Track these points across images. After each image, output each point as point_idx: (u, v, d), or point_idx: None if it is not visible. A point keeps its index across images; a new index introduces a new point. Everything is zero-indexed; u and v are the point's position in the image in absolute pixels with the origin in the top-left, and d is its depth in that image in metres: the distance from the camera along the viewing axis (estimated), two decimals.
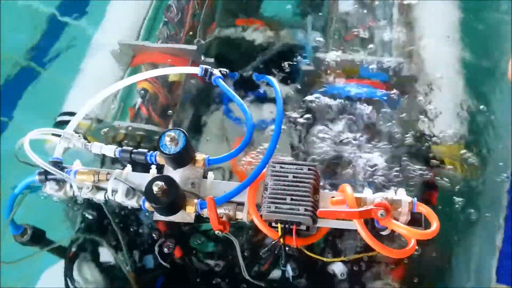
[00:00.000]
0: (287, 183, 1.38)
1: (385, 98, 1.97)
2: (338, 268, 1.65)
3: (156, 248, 1.75)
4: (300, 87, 2.11)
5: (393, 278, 1.72)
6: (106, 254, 1.84)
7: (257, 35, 2.31)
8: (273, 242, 1.36)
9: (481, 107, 1.99)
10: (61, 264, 1.81)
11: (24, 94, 2.41)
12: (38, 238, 1.80)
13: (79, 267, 1.82)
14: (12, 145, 2.06)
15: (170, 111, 2.01)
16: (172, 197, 1.35)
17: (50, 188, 1.54)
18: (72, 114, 2.06)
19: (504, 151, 1.89)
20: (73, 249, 1.83)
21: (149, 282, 1.79)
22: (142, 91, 2.05)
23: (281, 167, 1.41)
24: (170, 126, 1.98)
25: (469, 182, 1.87)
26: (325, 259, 1.58)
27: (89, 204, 1.79)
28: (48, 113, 2.12)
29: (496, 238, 1.74)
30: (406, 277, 1.73)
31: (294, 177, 1.39)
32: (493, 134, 1.96)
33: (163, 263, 1.75)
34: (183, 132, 1.41)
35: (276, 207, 1.34)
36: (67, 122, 2.03)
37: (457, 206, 1.82)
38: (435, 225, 1.31)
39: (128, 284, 1.76)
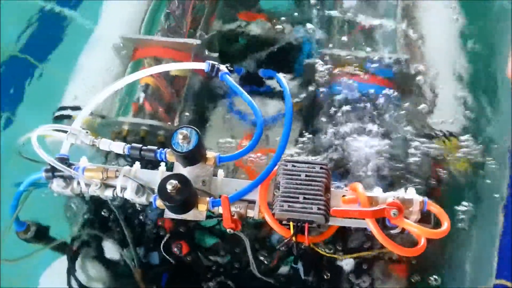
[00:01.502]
0: (300, 182, 1.39)
1: (388, 94, 1.98)
2: (345, 264, 1.67)
3: (162, 245, 1.74)
4: (303, 83, 2.11)
5: (394, 273, 1.75)
6: (109, 251, 1.83)
7: (259, 29, 2.30)
8: (285, 241, 1.38)
9: (483, 103, 2.02)
10: (64, 260, 1.79)
11: (22, 89, 2.35)
12: (41, 234, 1.78)
13: (82, 264, 1.80)
14: (9, 140, 2.03)
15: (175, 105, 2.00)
16: (185, 196, 1.35)
17: (57, 185, 1.53)
18: (70, 108, 2.05)
19: (504, 146, 1.92)
20: (76, 245, 1.81)
21: (154, 278, 1.78)
22: (144, 86, 2.03)
23: (293, 166, 1.42)
24: (176, 122, 1.96)
25: (468, 176, 1.90)
26: (336, 256, 1.59)
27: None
28: (47, 108, 2.08)
29: (496, 232, 1.77)
30: (406, 273, 1.76)
31: (306, 176, 1.40)
32: (494, 128, 1.99)
33: (169, 259, 1.74)
34: (195, 130, 1.40)
35: (289, 206, 1.35)
36: (65, 116, 2.04)
37: (456, 200, 1.85)
38: (446, 224, 1.34)
39: (132, 280, 1.76)
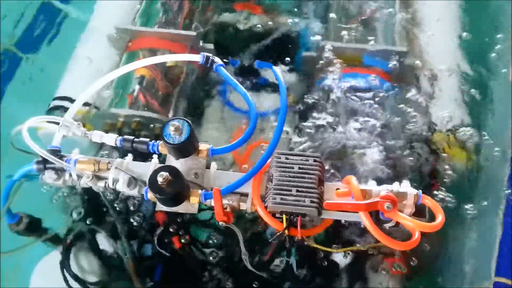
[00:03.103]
0: (293, 174, 1.37)
1: (385, 87, 1.96)
2: (339, 258, 1.66)
3: (156, 238, 1.73)
4: (300, 75, 2.09)
5: (391, 268, 1.73)
6: (103, 243, 1.82)
7: (255, 21, 2.28)
8: (278, 234, 1.36)
9: (482, 96, 2.00)
10: (57, 254, 1.79)
11: (15, 81, 2.34)
12: (34, 227, 1.77)
13: (76, 256, 1.79)
14: (3, 132, 2.02)
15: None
16: (176, 188, 1.33)
17: (48, 177, 1.51)
18: (65, 99, 2.04)
19: (504, 142, 1.89)
20: (70, 238, 1.80)
21: (148, 271, 1.78)
22: (139, 78, 2.01)
23: (286, 158, 1.40)
24: (170, 114, 1.94)
25: (468, 171, 1.87)
26: (330, 250, 1.58)
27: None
28: (40, 100, 2.06)
29: (496, 229, 1.75)
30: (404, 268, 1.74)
31: (299, 168, 1.38)
32: (493, 124, 1.97)
33: (163, 252, 1.73)
34: (187, 121, 1.38)
35: (281, 199, 1.33)
36: (60, 107, 2.02)
37: (455, 196, 1.83)
38: (440, 217, 1.32)
39: (126, 272, 1.75)
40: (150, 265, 1.78)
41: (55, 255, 1.78)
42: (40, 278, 1.80)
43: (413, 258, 1.69)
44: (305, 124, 1.94)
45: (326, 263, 1.66)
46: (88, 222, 1.79)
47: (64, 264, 1.75)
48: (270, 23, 2.27)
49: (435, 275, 1.76)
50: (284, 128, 1.76)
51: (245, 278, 1.69)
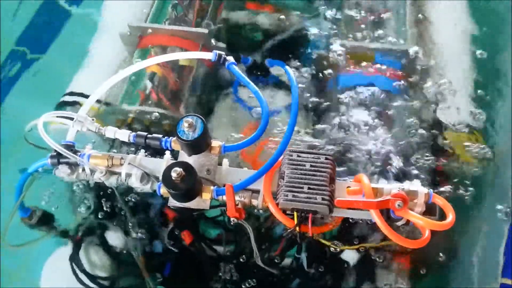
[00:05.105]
0: (304, 172, 1.39)
1: (397, 86, 1.97)
2: (349, 256, 1.67)
3: (166, 234, 1.75)
4: (311, 74, 2.10)
5: (398, 267, 1.74)
6: (113, 238, 1.83)
7: (266, 19, 2.29)
8: (289, 231, 1.37)
9: (495, 96, 2.00)
10: (67, 248, 1.80)
11: (27, 80, 2.36)
12: (45, 221, 1.79)
13: (86, 251, 1.81)
14: (13, 130, 2.04)
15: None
16: (189, 184, 1.35)
17: (62, 171, 1.53)
18: (75, 94, 2.06)
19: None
20: (80, 233, 1.82)
21: (158, 267, 1.79)
22: (150, 74, 2.02)
23: (298, 156, 1.42)
24: (182, 111, 1.96)
25: (476, 172, 1.88)
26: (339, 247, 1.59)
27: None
28: (51, 99, 2.08)
29: (503, 230, 1.75)
30: (411, 267, 1.74)
31: (311, 166, 1.40)
32: (504, 124, 1.97)
33: (172, 248, 1.75)
34: (201, 118, 1.40)
35: (293, 196, 1.35)
36: (71, 103, 2.04)
37: (463, 196, 1.83)
38: (451, 216, 1.33)
39: (136, 268, 1.76)
40: (160, 261, 1.79)
41: (66, 250, 1.80)
42: (50, 273, 1.82)
43: (422, 257, 1.70)
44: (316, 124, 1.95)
45: (335, 260, 1.67)
46: (99, 217, 1.80)
47: (74, 259, 1.77)
48: (281, 21, 2.28)
49: (442, 275, 1.77)
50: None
51: (254, 274, 1.70)
